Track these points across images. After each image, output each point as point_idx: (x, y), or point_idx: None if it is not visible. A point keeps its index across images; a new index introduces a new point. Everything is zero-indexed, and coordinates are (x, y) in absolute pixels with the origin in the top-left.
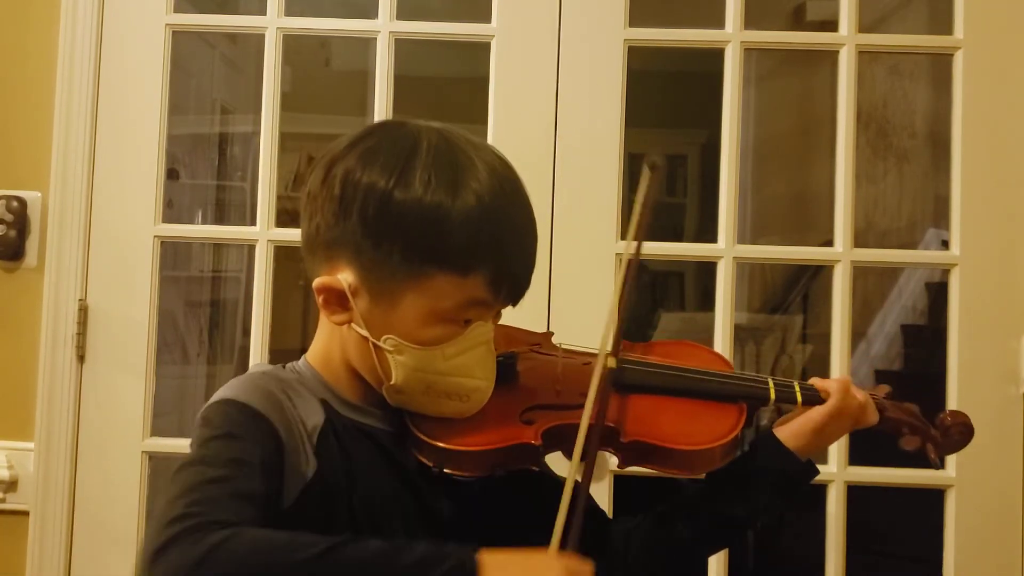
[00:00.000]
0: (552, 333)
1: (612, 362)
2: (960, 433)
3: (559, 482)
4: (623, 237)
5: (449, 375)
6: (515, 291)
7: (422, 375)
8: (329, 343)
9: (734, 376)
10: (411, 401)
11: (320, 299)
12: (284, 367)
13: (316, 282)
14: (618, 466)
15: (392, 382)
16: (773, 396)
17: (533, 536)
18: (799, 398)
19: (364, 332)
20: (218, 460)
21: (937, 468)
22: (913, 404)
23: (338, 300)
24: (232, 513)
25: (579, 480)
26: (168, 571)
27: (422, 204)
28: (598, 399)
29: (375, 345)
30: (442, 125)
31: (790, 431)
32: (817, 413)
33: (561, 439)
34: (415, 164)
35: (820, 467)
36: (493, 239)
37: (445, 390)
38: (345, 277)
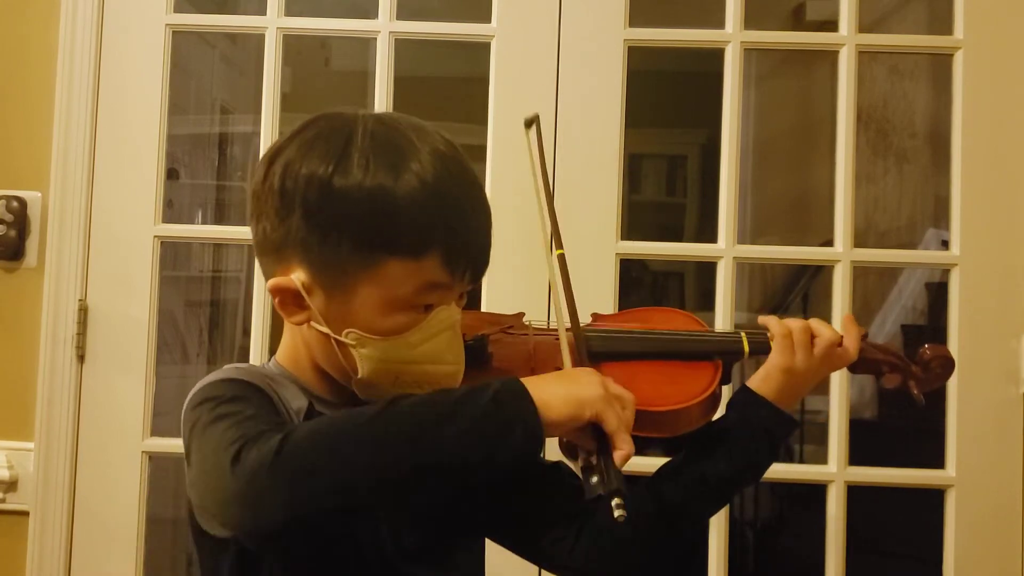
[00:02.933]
0: (523, 314)
1: (559, 250)
2: (941, 366)
3: (542, 464)
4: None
5: (417, 363)
6: (473, 270)
7: (389, 366)
8: (295, 343)
9: (706, 334)
10: (383, 394)
11: (276, 301)
12: (255, 367)
13: (269, 284)
14: None
15: (360, 376)
16: (747, 349)
17: (518, 520)
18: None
19: (324, 329)
20: (237, 412)
21: (920, 404)
22: (891, 343)
23: (294, 300)
24: (279, 429)
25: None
26: (252, 467)
27: (363, 189)
28: (573, 359)
29: (337, 341)
30: (384, 112)
31: (759, 375)
32: (773, 355)
33: None
34: (351, 150)
35: (820, 467)
36: (441, 218)
37: (415, 379)
38: (298, 276)
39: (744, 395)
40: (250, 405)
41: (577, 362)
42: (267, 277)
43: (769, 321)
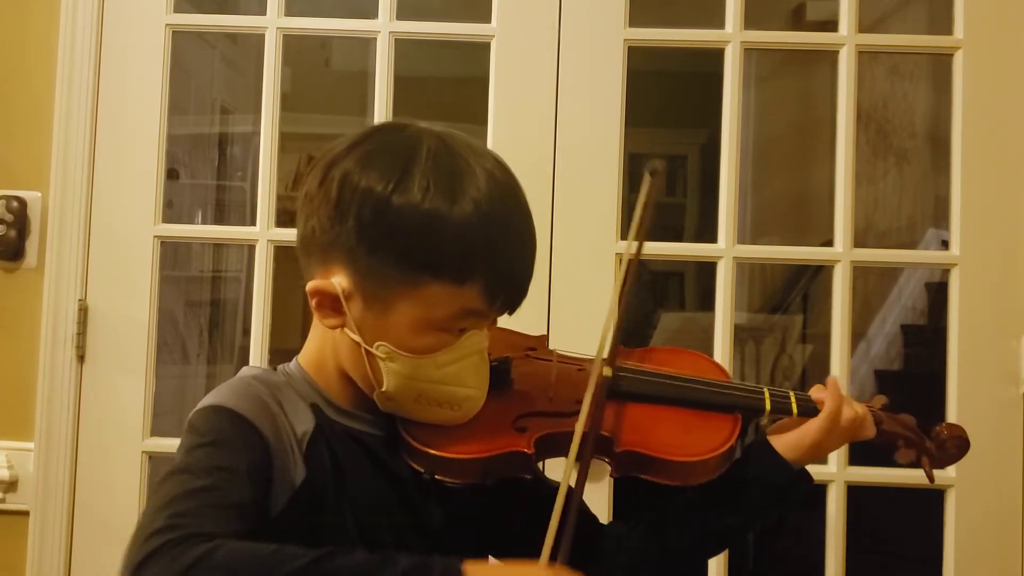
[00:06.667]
0: (546, 336)
1: (608, 371)
2: (956, 447)
3: (553, 488)
4: (623, 238)
5: (441, 383)
6: (511, 301)
7: (414, 383)
8: (322, 346)
9: (729, 386)
10: (402, 408)
11: (313, 302)
12: (275, 370)
13: (309, 285)
14: (610, 475)
15: (383, 389)
16: (768, 407)
17: (526, 544)
18: (795, 410)
19: (357, 337)
20: (203, 468)
21: (931, 482)
22: (909, 416)
23: (331, 304)
24: (215, 525)
25: (572, 487)
26: None
27: (419, 211)
28: (592, 407)
29: (367, 351)
30: (443, 129)
31: (785, 443)
32: (813, 427)
33: (554, 447)
34: (414, 170)
35: (820, 467)
36: (490, 248)
37: (437, 398)
38: (339, 281)
39: (764, 453)
40: (221, 459)
41: (596, 402)
42: (306, 277)
43: (831, 392)
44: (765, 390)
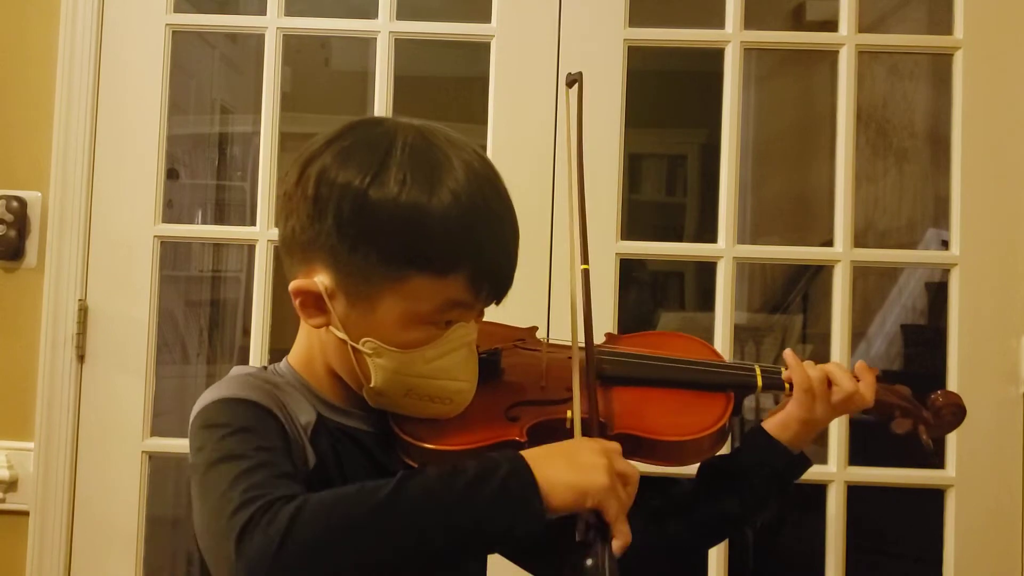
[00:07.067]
0: (536, 328)
1: (583, 267)
2: (952, 414)
3: None
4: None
5: (430, 378)
6: (497, 290)
7: (402, 378)
8: (310, 346)
9: (720, 365)
10: (393, 403)
11: (297, 302)
12: (265, 369)
13: (292, 285)
14: None
15: (372, 385)
16: (760, 383)
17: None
18: (787, 385)
19: (342, 335)
20: (245, 451)
21: (929, 450)
22: (904, 386)
23: (315, 303)
24: (288, 489)
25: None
26: (257, 554)
27: (397, 203)
28: (583, 393)
29: (354, 348)
30: (421, 122)
31: (777, 423)
32: (793, 405)
33: (548, 435)
34: (390, 163)
35: (820, 467)
36: (471, 238)
37: (427, 393)
38: (321, 280)
39: (761, 439)
40: (257, 441)
41: (587, 386)
42: (289, 277)
43: (792, 367)
44: (756, 367)
